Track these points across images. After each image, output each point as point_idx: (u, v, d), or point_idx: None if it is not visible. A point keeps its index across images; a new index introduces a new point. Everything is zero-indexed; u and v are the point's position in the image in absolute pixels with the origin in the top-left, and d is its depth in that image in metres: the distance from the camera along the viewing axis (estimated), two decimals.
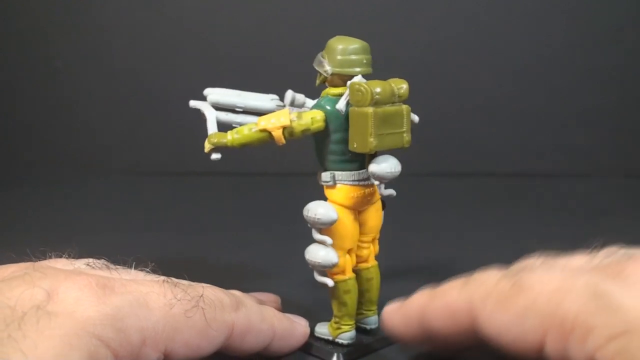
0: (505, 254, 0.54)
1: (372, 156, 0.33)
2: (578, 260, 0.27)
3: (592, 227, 0.63)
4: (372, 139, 0.31)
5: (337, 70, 0.33)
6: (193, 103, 0.35)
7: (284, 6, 0.90)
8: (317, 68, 0.34)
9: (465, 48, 0.89)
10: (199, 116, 0.34)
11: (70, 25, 0.93)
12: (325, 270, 0.34)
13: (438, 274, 0.48)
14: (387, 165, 0.32)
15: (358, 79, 0.32)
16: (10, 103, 0.95)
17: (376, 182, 0.33)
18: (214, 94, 0.34)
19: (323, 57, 0.33)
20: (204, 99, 0.36)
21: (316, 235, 0.34)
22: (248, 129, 0.32)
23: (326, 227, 0.33)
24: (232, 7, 0.91)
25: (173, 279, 0.29)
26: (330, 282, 0.34)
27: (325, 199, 0.34)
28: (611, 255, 0.25)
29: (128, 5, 0.92)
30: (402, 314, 0.31)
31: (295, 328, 0.34)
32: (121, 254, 0.32)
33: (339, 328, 0.35)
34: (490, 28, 0.89)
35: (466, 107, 0.89)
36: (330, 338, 0.35)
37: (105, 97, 0.94)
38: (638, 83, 0.90)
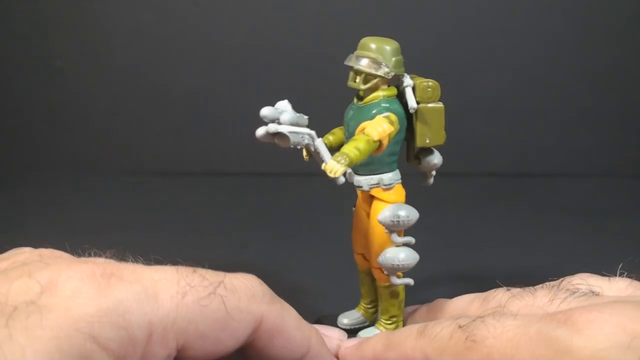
0: (505, 254, 0.55)
1: (413, 152, 0.35)
2: (540, 300, 0.27)
3: (592, 227, 0.63)
4: (444, 132, 0.34)
5: (396, 71, 0.33)
6: (286, 128, 0.30)
7: (285, 5, 0.90)
8: (372, 71, 0.32)
9: (464, 48, 0.89)
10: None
11: (70, 25, 0.93)
12: (404, 271, 0.34)
13: (437, 273, 0.49)
14: (439, 156, 0.35)
15: (409, 78, 0.33)
16: (11, 103, 0.95)
17: (433, 173, 0.35)
18: (286, 113, 0.30)
19: (375, 60, 0.32)
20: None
21: (399, 239, 0.34)
22: (365, 142, 0.31)
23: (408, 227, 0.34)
24: (234, 7, 0.91)
25: (196, 267, 0.26)
26: (411, 280, 0.35)
27: (351, 201, 0.36)
28: (570, 296, 0.25)
29: (129, 4, 0.92)
30: (357, 358, 0.30)
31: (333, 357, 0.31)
32: (122, 254, 0.31)
33: (398, 326, 0.36)
34: (490, 28, 0.89)
35: (466, 107, 0.88)
36: None
37: (105, 97, 0.94)
38: (638, 83, 0.90)
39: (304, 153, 0.35)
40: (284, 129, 0.30)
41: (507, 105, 0.90)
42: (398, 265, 0.33)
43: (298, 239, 0.58)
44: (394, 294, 0.35)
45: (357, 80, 0.33)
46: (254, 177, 0.85)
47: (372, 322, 0.38)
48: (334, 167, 0.29)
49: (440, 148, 0.35)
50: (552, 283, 0.28)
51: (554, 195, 0.78)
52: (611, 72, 0.89)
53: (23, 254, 0.25)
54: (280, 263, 0.50)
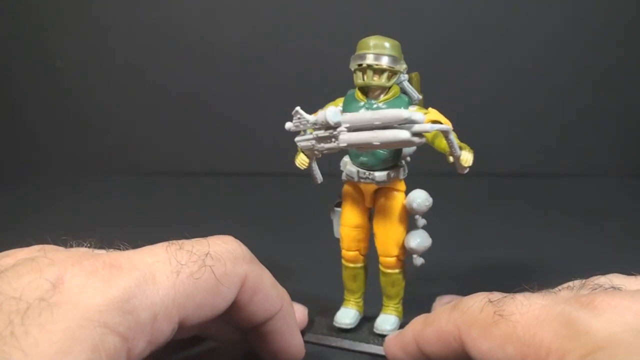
0: (505, 254, 0.54)
1: None
2: (563, 291, 0.28)
3: (592, 227, 0.63)
4: None
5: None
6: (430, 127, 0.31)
7: (285, 6, 0.90)
8: (397, 68, 0.33)
9: (465, 48, 0.89)
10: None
11: (70, 25, 0.93)
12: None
13: (437, 273, 0.49)
14: None
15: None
16: (11, 103, 0.95)
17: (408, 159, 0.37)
18: (420, 113, 0.30)
19: (395, 58, 0.33)
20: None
21: (422, 221, 0.36)
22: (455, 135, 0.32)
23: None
24: (233, 7, 0.91)
25: (182, 240, 0.28)
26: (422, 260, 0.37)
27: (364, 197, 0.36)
28: (596, 288, 0.27)
29: (129, 5, 0.92)
30: (399, 341, 0.32)
31: (299, 317, 0.34)
32: (99, 243, 0.31)
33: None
34: (490, 28, 0.89)
35: (466, 107, 0.89)
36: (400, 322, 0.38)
37: (105, 97, 0.94)
38: (638, 83, 0.90)
39: (302, 162, 0.35)
40: (435, 127, 0.30)
41: (507, 105, 0.90)
42: (429, 245, 0.36)
43: (297, 239, 0.58)
44: (404, 276, 0.37)
45: (377, 78, 0.33)
46: (254, 177, 0.85)
47: (364, 315, 0.39)
48: (469, 157, 0.31)
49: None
50: (575, 283, 0.29)
51: (554, 195, 0.78)
52: (611, 72, 0.89)
53: (22, 251, 0.27)
54: (279, 263, 0.50)
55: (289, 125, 0.33)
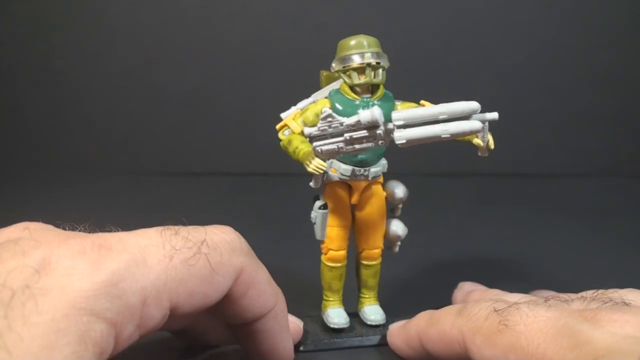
0: (505, 254, 0.54)
1: None
2: (576, 302, 0.29)
3: (592, 227, 0.63)
4: None
5: None
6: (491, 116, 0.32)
7: (284, 6, 0.91)
8: (384, 65, 0.34)
9: (464, 48, 0.89)
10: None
11: (70, 25, 0.93)
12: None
13: (437, 273, 0.49)
14: None
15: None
16: (11, 103, 0.95)
17: None
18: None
19: (383, 54, 0.34)
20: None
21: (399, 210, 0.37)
22: None
23: None
24: (234, 7, 0.91)
25: (178, 226, 0.27)
26: None
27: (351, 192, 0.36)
28: (602, 305, 0.27)
29: (129, 4, 0.92)
30: (403, 335, 0.33)
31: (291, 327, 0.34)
32: (94, 227, 0.31)
33: None
34: (490, 28, 0.89)
35: None
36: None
37: (105, 97, 0.94)
38: (638, 83, 0.90)
39: (321, 166, 0.32)
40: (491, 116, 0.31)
41: (507, 106, 0.89)
42: (405, 233, 0.37)
43: (297, 239, 0.58)
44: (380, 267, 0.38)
45: (374, 75, 0.33)
46: (254, 177, 0.85)
47: (346, 309, 0.39)
48: (492, 141, 0.34)
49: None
50: (589, 293, 0.29)
51: (554, 195, 0.78)
52: (611, 72, 0.89)
53: (7, 229, 0.26)
54: (280, 263, 0.50)
55: (309, 130, 0.32)
